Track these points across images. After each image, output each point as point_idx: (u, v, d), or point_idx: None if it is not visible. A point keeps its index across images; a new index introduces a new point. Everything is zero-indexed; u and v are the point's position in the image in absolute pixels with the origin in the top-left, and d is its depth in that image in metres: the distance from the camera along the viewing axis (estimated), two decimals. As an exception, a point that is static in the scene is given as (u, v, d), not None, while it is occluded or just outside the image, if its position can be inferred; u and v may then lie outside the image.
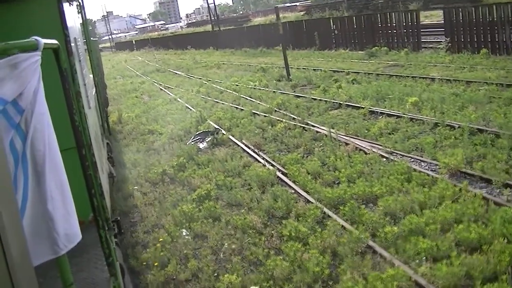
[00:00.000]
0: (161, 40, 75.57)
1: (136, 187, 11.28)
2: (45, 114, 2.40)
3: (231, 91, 22.18)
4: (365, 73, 21.93)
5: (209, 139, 14.18)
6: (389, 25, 28.34)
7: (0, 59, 2.18)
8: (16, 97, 2.25)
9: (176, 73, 35.22)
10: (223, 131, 14.74)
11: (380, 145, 11.58)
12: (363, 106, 15.30)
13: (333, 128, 13.31)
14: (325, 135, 12.93)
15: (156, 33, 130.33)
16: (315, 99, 17.69)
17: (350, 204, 8.38)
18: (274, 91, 20.50)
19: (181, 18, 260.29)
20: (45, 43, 2.44)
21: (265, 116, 16.01)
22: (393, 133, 12.45)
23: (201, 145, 13.98)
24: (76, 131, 3.12)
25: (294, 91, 20.28)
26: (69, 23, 4.69)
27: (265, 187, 9.99)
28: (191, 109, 19.17)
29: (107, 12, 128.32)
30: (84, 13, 10.01)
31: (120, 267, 4.61)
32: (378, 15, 29.40)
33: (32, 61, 2.33)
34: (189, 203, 9.49)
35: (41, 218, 2.37)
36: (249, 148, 12.97)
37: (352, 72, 22.83)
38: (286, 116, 15.75)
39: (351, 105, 16.01)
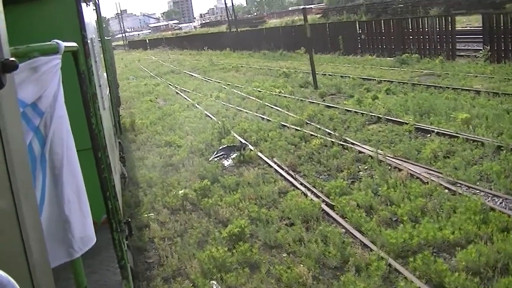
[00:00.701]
0: (176, 40, 74.01)
1: (152, 214, 9.56)
2: (64, 117, 2.43)
3: (254, 98, 20.48)
4: (398, 82, 20.19)
5: (234, 155, 12.50)
6: (420, 30, 26.44)
7: (20, 62, 2.01)
8: (35, 100, 2.27)
9: (192, 75, 33.57)
10: (250, 146, 13.01)
11: (439, 173, 9.82)
12: (407, 122, 13.58)
13: (377, 147, 11.57)
14: (370, 156, 11.19)
15: (170, 32, 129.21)
16: (349, 110, 16.01)
17: (422, 256, 6.63)
18: (301, 100, 18.79)
19: (194, 18, 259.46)
20: (65, 46, 2.47)
21: (296, 129, 14.31)
22: (449, 157, 10.70)
23: (226, 163, 12.30)
24: (92, 133, 3.18)
25: (324, 100, 18.56)
26: (87, 23, 4.58)
27: (309, 224, 8.26)
28: (211, 118, 17.48)
29: (121, 10, 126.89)
30: (99, 12, 10.05)
31: (130, 270, 4.54)
32: (409, 20, 27.50)
33: (52, 64, 2.36)
34: (218, 243, 7.77)
35: (57, 221, 2.39)
36: (282, 169, 11.27)
37: (384, 80, 21.07)
38: (320, 130, 14.04)
39: (392, 120, 14.31)
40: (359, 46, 31.60)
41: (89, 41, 4.36)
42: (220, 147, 13.22)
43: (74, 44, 2.81)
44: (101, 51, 9.15)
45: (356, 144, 12.41)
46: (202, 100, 21.42)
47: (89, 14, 6.06)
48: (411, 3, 72.00)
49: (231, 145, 13.29)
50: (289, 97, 19.96)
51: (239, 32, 49.46)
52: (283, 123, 15.31)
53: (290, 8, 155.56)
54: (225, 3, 54.24)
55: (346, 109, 16.24)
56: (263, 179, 10.64)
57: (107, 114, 6.82)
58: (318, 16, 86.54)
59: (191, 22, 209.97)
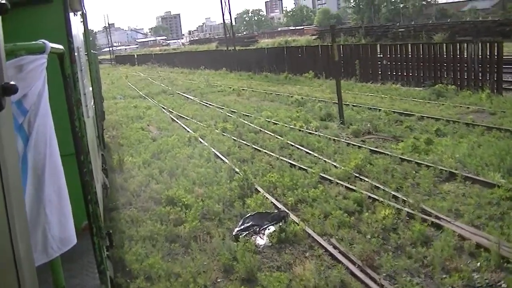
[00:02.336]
0: (166, 57, 69.99)
1: None
2: (48, 116, 2.43)
3: (270, 133, 16.67)
4: (447, 120, 16.42)
5: (271, 229, 8.53)
6: (458, 57, 22.78)
7: (7, 60, 1.96)
8: (20, 98, 2.25)
9: (187, 97, 29.66)
10: (293, 217, 9.07)
11: None
12: (498, 184, 9.80)
13: (483, 229, 7.82)
14: (479, 245, 7.34)
15: (158, 48, 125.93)
16: (405, 160, 12.21)
17: None
18: (334, 140, 14.96)
19: (183, 35, 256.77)
20: (51, 47, 2.53)
21: (346, 187, 10.46)
22: None
23: (260, 241, 8.38)
24: (76, 137, 3.27)
25: (364, 142, 14.74)
26: (73, 32, 4.66)
27: None
28: (223, 160, 13.57)
29: (109, 24, 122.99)
30: (86, 24, 9.95)
31: (110, 280, 4.60)
32: (444, 45, 23.79)
33: (38, 63, 2.38)
34: None
35: (37, 221, 2.35)
36: (351, 261, 7.36)
37: (426, 117, 17.36)
38: (379, 190, 10.17)
39: (472, 178, 10.50)
40: (380, 72, 27.85)
41: (75, 49, 4.37)
42: (247, 215, 9.25)
43: (61, 46, 2.89)
44: (87, 64, 8.84)
45: (445, 220, 8.56)
46: (205, 133, 17.48)
47: (76, 24, 6.05)
48: (413, 27, 69.05)
49: (263, 211, 9.31)
50: (315, 134, 16.15)
51: (237, 51, 45.63)
52: (323, 175, 11.43)
53: (279, 29, 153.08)
54: (223, 19, 50.34)
55: (400, 158, 12.40)
56: (327, 282, 6.69)
57: (90, 123, 6.70)
58: (314, 37, 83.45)
59: (179, 39, 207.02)
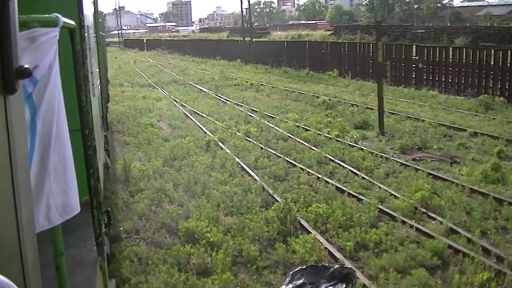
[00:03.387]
0: (176, 43, 67.27)
1: None
2: (58, 88, 2.47)
3: (302, 142, 14.42)
4: (507, 140, 14.02)
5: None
6: (508, 65, 20.27)
7: (20, 31, 1.99)
8: (32, 69, 2.09)
9: (201, 89, 27.19)
10: (361, 277, 6.65)
11: None
12: None
13: None
14: None
15: (167, 34, 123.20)
16: (476, 191, 9.84)
17: None
18: (380, 156, 12.57)
19: (193, 22, 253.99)
20: (64, 22, 2.57)
21: (417, 229, 8.09)
22: None
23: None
24: (82, 112, 3.31)
25: (417, 162, 12.36)
26: (85, 10, 4.68)
27: None
28: (252, 175, 11.26)
29: (119, 7, 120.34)
30: (96, 6, 10.41)
31: (106, 255, 4.55)
32: (492, 51, 21.23)
33: (50, 36, 2.40)
34: None
35: (41, 188, 2.40)
36: None
37: (479, 133, 15.01)
38: (460, 235, 7.94)
39: None
40: (414, 76, 25.33)
41: (85, 26, 4.36)
42: (297, 268, 6.83)
43: (72, 22, 2.96)
44: (95, 45, 8.79)
45: None
46: (226, 136, 15.08)
47: (87, 4, 5.98)
48: (434, 29, 66.42)
49: (318, 264, 6.90)
50: (356, 146, 13.69)
51: (253, 43, 43.01)
52: (382, 208, 9.00)
53: (290, 22, 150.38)
54: (241, 7, 47.59)
55: (470, 188, 10.01)
56: None
57: (96, 102, 6.73)
58: (328, 33, 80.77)
59: (189, 26, 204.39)
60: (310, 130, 15.60)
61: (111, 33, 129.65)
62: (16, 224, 1.51)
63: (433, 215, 8.89)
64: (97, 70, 9.22)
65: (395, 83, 25.88)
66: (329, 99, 21.72)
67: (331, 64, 31.44)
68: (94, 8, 9.52)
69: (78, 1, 4.49)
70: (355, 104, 20.42)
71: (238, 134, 15.46)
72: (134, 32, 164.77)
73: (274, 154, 13.14)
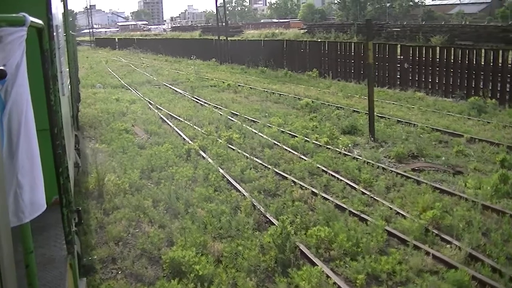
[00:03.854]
0: (149, 42, 65.66)
1: None
2: (25, 87, 2.46)
3: (290, 150, 13.43)
4: (509, 147, 13.16)
5: None
6: (499, 66, 19.50)
7: None
8: None
9: (176, 91, 25.98)
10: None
11: None
12: None
13: None
14: None
15: (139, 32, 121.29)
16: (489, 208, 8.97)
17: None
18: (377, 167, 11.61)
19: (165, 21, 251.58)
20: (31, 21, 2.52)
21: (434, 257, 7.10)
22: None
23: None
24: (50, 111, 3.29)
25: (417, 173, 11.43)
26: (53, 9, 4.61)
27: None
28: (239, 190, 10.19)
29: (90, 5, 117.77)
30: (66, 5, 10.22)
31: (77, 255, 4.76)
32: (482, 50, 20.46)
33: (17, 35, 2.38)
34: None
35: (10, 185, 2.38)
36: None
37: (477, 139, 14.15)
38: (483, 264, 7.07)
39: None
40: (398, 77, 24.48)
41: (54, 26, 4.39)
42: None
43: (40, 21, 2.91)
44: (65, 44, 8.87)
45: None
46: (207, 143, 13.96)
47: (56, 3, 5.91)
48: (410, 27, 65.90)
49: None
50: (348, 155, 12.69)
51: (228, 42, 41.81)
52: (390, 230, 7.97)
53: (262, 20, 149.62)
54: (216, 5, 46.20)
55: (483, 204, 9.07)
56: None
57: (66, 101, 6.72)
58: (302, 31, 79.88)
59: (160, 24, 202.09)
60: (296, 136, 14.56)
61: (82, 31, 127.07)
62: None
63: (447, 237, 7.91)
64: (67, 69, 9.12)
65: (379, 84, 25.02)
66: (312, 101, 20.71)
67: (310, 64, 30.51)
68: (64, 7, 9.32)
69: (46, 0, 4.27)
70: (340, 107, 19.46)
71: (220, 141, 14.34)
72: (105, 31, 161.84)
73: (261, 164, 12.09)
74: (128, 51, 64.62)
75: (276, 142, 14.24)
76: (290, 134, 15.12)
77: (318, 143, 14.10)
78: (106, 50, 75.29)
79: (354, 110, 18.70)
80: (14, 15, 2.43)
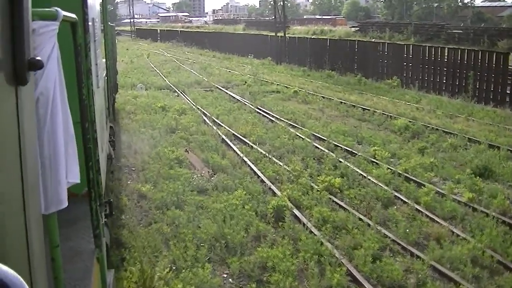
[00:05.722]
0: (194, 36, 61.14)
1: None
2: (54, 82, 2.41)
3: (422, 211, 8.87)
4: None
5: None
6: None
7: None
8: None
9: (233, 97, 21.61)
10: None
11: None
12: None
13: None
14: None
15: (180, 24, 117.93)
16: None
17: None
18: None
19: (206, 13, 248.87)
20: (64, 15, 2.53)
21: None
22: None
23: None
24: (82, 105, 3.26)
25: None
26: (90, 2, 4.68)
27: None
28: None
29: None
30: None
31: (106, 247, 4.73)
32: None
33: (48, 29, 2.40)
34: None
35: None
36: None
37: None
38: None
39: None
40: (508, 92, 19.54)
41: (90, 21, 4.42)
42: None
43: (73, 15, 2.92)
44: (102, 36, 8.60)
45: None
46: (299, 194, 9.57)
47: None
48: (473, 30, 60.44)
49: None
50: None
51: (287, 39, 37.10)
52: None
53: (305, 16, 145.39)
54: (275, 1, 41.45)
55: None
56: None
57: (100, 94, 6.65)
58: (353, 29, 75.01)
59: (202, 17, 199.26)
60: (421, 184, 9.98)
61: (123, 21, 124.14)
62: (23, 209, 1.55)
63: None
64: (104, 60, 8.92)
65: (480, 100, 20.09)
66: (410, 122, 16.03)
67: (389, 70, 25.69)
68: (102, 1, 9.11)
69: None
70: (451, 133, 14.79)
71: (316, 188, 9.83)
72: (146, 22, 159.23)
73: (396, 242, 7.54)
74: (170, 44, 60.31)
75: (397, 194, 9.68)
76: (408, 178, 10.56)
77: (458, 198, 9.49)
78: (147, 42, 71.17)
79: (471, 139, 14.06)
80: (46, 9, 2.42)
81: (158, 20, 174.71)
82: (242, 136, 14.31)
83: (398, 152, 12.98)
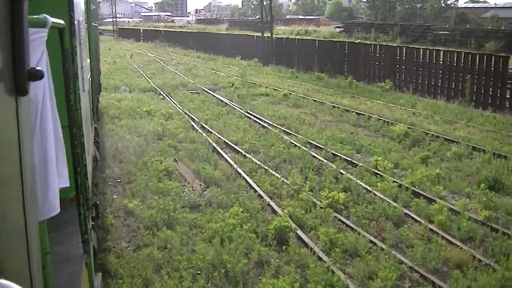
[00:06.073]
0: (178, 36, 60.01)
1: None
2: (42, 88, 2.39)
3: (437, 230, 8.26)
4: None
5: None
6: None
7: None
8: None
9: (221, 100, 20.76)
10: None
11: None
12: None
13: None
14: None
15: (163, 24, 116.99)
16: None
17: None
18: None
19: (189, 13, 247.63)
20: (52, 22, 2.54)
21: None
22: None
23: None
24: (70, 110, 3.25)
25: None
26: (75, 5, 4.67)
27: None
28: None
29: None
30: None
31: (93, 250, 4.73)
32: None
33: (38, 36, 2.40)
34: None
35: None
36: None
37: None
38: None
39: None
40: (508, 97, 18.91)
41: (76, 23, 4.39)
42: None
43: (61, 21, 2.92)
44: (87, 36, 8.36)
45: None
46: (301, 213, 8.68)
47: None
48: (460, 31, 60.28)
49: None
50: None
51: (274, 40, 36.23)
52: None
53: (288, 16, 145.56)
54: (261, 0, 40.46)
55: None
56: None
57: (86, 96, 6.63)
58: (338, 30, 74.58)
59: (184, 16, 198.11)
60: (429, 198, 9.26)
61: (105, 20, 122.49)
62: (24, 216, 1.55)
63: None
64: (88, 61, 8.63)
65: (478, 105, 19.44)
66: (409, 128, 15.29)
67: (381, 72, 24.95)
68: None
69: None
70: (453, 140, 14.07)
71: (320, 205, 9.00)
72: (128, 21, 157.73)
73: (416, 271, 6.70)
74: (154, 44, 59.12)
75: (407, 212, 8.88)
76: (416, 192, 9.79)
77: (473, 216, 8.74)
78: (130, 42, 69.85)
79: (475, 148, 13.37)
80: (35, 16, 2.38)
81: (141, 19, 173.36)
82: (234, 144, 13.47)
83: (400, 162, 12.21)
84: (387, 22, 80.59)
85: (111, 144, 13.01)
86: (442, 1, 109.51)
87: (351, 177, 10.72)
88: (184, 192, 9.77)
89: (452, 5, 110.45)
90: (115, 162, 11.74)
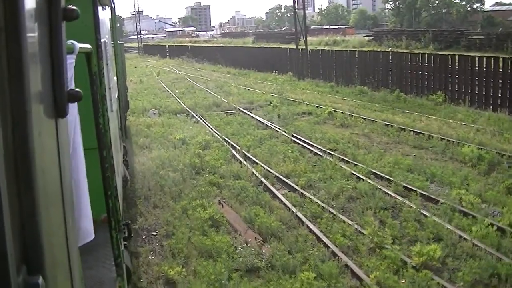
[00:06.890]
0: (204, 51, 58.43)
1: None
2: (75, 112, 2.47)
3: None
4: None
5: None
6: None
7: None
8: None
9: (261, 121, 18.93)
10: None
11: None
12: None
13: None
14: None
15: (187, 39, 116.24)
16: None
17: None
18: None
19: (213, 27, 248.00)
20: (80, 47, 2.62)
21: None
22: None
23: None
24: (99, 133, 3.27)
25: None
26: (101, 27, 4.62)
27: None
28: None
29: (138, 11, 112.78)
30: (114, 15, 9.91)
31: (126, 269, 4.57)
32: None
33: (66, 63, 2.25)
34: None
35: None
36: None
37: None
38: None
39: None
40: None
41: (102, 44, 4.38)
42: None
43: (88, 46, 2.95)
44: (113, 55, 8.41)
45: None
46: (387, 275, 6.63)
47: (104, 17, 5.94)
48: (495, 35, 57.56)
49: None
50: None
51: (309, 52, 34.32)
52: None
53: (312, 27, 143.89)
54: (294, 8, 38.59)
55: None
56: None
57: (114, 116, 6.65)
58: (367, 38, 72.40)
59: (208, 31, 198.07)
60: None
61: (129, 37, 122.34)
62: (66, 244, 1.54)
63: None
64: (115, 79, 8.64)
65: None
66: (481, 150, 13.21)
67: (430, 84, 22.85)
68: (112, 15, 8.91)
69: (95, 20, 4.28)
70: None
71: (412, 264, 7.01)
72: (153, 37, 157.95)
73: None
74: (180, 60, 57.67)
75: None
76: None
77: None
78: (155, 58, 68.64)
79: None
80: None
81: (165, 35, 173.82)
82: (285, 177, 11.61)
83: (485, 194, 10.19)
84: (417, 29, 78.29)
85: (142, 184, 11.21)
86: (468, 5, 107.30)
87: (436, 220, 8.73)
88: (237, 250, 7.87)
89: (478, 9, 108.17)
90: (149, 207, 9.93)
